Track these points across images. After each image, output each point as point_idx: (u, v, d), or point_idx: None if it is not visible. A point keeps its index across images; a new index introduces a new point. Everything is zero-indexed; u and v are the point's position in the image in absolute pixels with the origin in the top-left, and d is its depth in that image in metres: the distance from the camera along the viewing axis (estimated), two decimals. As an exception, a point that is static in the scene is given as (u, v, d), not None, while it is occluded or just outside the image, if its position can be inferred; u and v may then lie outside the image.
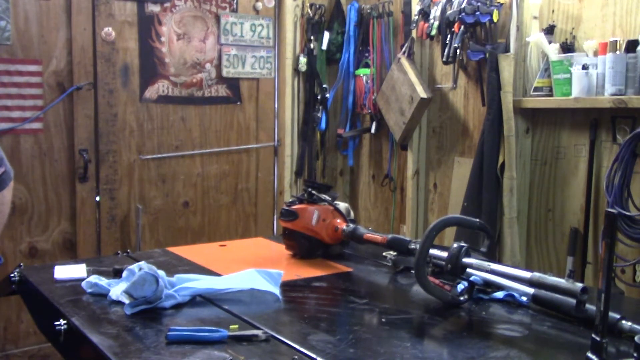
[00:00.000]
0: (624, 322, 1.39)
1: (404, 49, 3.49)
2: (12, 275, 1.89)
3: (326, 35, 3.93)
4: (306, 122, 3.98)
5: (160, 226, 3.60)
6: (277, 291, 1.68)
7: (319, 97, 3.95)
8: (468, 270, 1.69)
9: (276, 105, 3.95)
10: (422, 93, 3.32)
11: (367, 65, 3.83)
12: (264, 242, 2.51)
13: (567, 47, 2.76)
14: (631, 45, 2.47)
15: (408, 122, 3.41)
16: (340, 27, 3.96)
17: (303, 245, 2.11)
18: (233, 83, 3.78)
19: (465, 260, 1.66)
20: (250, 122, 3.87)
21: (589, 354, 1.18)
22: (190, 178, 3.68)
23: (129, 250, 2.25)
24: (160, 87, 3.54)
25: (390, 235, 1.96)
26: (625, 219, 2.42)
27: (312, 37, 3.90)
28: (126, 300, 1.56)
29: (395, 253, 2.01)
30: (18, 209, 3.14)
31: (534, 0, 2.86)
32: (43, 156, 3.22)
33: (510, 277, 1.63)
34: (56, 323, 1.49)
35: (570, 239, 2.81)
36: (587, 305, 1.45)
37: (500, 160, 2.93)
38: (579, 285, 1.42)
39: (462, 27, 3.07)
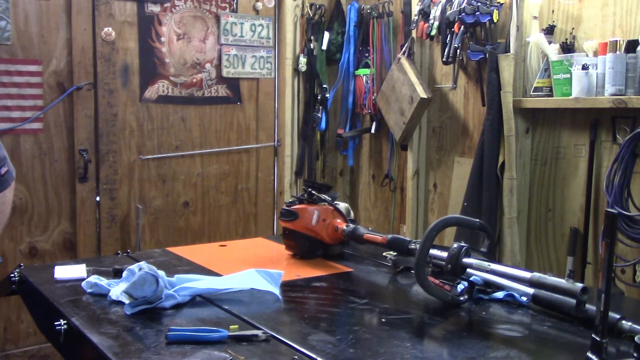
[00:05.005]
0: (624, 322, 1.39)
1: (404, 49, 3.49)
2: (12, 275, 1.89)
3: (326, 35, 3.93)
4: (306, 122, 3.98)
5: (160, 226, 3.60)
6: (277, 291, 1.68)
7: (319, 97, 3.95)
8: (468, 270, 1.68)
9: (276, 105, 3.95)
10: (422, 93, 3.32)
11: (367, 65, 3.83)
12: (264, 242, 2.51)
13: (567, 47, 2.76)
14: (631, 45, 2.47)
15: (408, 122, 3.41)
16: (340, 27, 3.96)
17: (303, 245, 2.11)
18: (233, 83, 3.78)
19: (465, 260, 1.66)
20: (250, 122, 3.87)
21: (589, 354, 1.18)
22: (190, 178, 3.68)
23: (129, 250, 2.25)
24: (160, 87, 3.54)
25: (390, 236, 1.95)
26: (625, 219, 2.42)
27: (312, 37, 3.90)
28: (126, 300, 1.56)
29: (395, 253, 2.01)
30: (18, 209, 3.14)
31: (534, 0, 2.86)
32: (43, 156, 3.22)
33: (510, 277, 1.63)
34: (56, 323, 1.48)
35: (570, 239, 2.81)
36: (587, 305, 1.44)
37: (500, 160, 2.93)
38: (579, 285, 1.42)
39: (462, 27, 3.07)
